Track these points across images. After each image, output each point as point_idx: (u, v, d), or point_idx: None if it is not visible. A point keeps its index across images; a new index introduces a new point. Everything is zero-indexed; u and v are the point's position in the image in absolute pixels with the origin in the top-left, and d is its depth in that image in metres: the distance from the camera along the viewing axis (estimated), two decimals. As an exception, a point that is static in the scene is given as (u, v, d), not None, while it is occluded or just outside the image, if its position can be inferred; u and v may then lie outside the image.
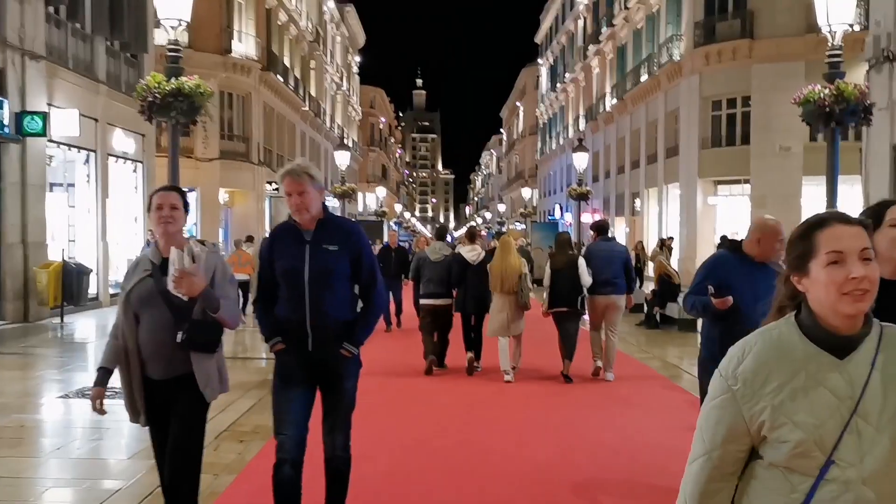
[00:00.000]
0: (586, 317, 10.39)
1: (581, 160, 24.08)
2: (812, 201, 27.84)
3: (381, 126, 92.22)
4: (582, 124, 51.44)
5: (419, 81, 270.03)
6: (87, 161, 18.33)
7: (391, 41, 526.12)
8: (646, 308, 17.19)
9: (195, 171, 31.01)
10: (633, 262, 11.72)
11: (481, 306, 10.29)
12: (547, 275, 9.96)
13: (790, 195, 27.34)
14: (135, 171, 21.54)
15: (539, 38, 72.47)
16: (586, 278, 9.73)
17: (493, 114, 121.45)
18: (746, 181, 28.68)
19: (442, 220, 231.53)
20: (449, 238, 14.01)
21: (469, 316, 10.44)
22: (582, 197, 24.15)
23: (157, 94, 8.12)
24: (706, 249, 30.07)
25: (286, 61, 39.73)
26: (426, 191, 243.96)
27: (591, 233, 11.21)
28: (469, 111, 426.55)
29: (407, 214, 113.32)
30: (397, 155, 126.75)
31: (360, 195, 72.21)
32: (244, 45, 32.98)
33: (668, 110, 33.53)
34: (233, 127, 33.21)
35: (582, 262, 9.85)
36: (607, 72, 45.28)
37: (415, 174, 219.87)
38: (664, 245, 18.10)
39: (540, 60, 72.31)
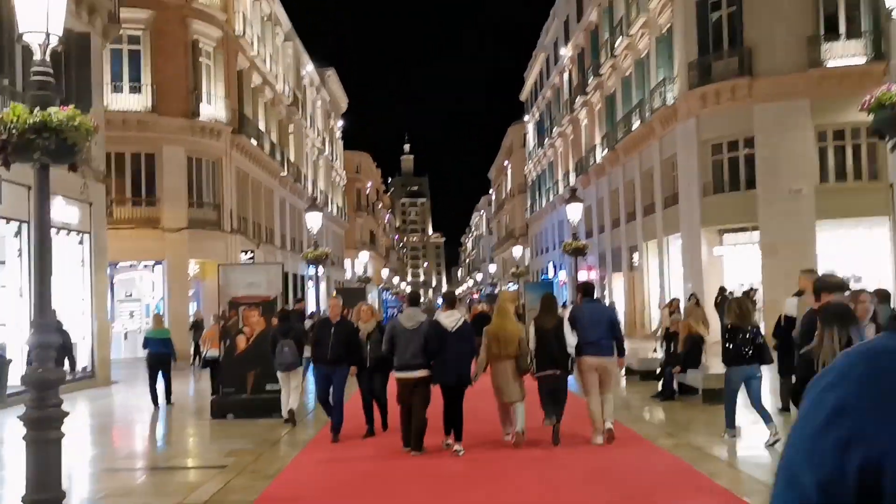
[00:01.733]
0: (571, 378, 10.31)
1: (575, 212, 22.01)
2: (828, 246, 25.84)
3: (367, 191, 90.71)
4: (572, 179, 49.68)
5: (406, 147, 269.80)
6: (17, 234, 16.12)
7: (376, 107, 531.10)
8: (660, 373, 14.91)
9: (161, 241, 28.93)
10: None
11: (462, 378, 9.60)
12: (532, 337, 9.92)
13: (803, 241, 25.29)
14: (80, 242, 19.32)
15: (524, 95, 71.49)
16: (571, 339, 9.75)
17: (482, 174, 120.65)
18: (755, 228, 26.60)
19: (434, 283, 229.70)
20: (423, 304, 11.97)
21: (449, 388, 9.63)
22: (578, 252, 22.00)
23: (14, 130, 6.00)
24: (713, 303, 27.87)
25: (261, 125, 37.98)
26: (417, 255, 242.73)
27: (577, 294, 11.10)
28: (458, 173, 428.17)
29: (396, 280, 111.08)
30: (386, 220, 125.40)
31: (347, 261, 70.35)
32: (213, 107, 31.16)
33: (664, 157, 31.68)
34: (202, 193, 31.15)
35: (567, 324, 9.84)
36: (596, 123, 43.68)
37: (406, 239, 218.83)
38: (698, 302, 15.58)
39: (526, 117, 71.19)
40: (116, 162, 28.75)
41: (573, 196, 22.54)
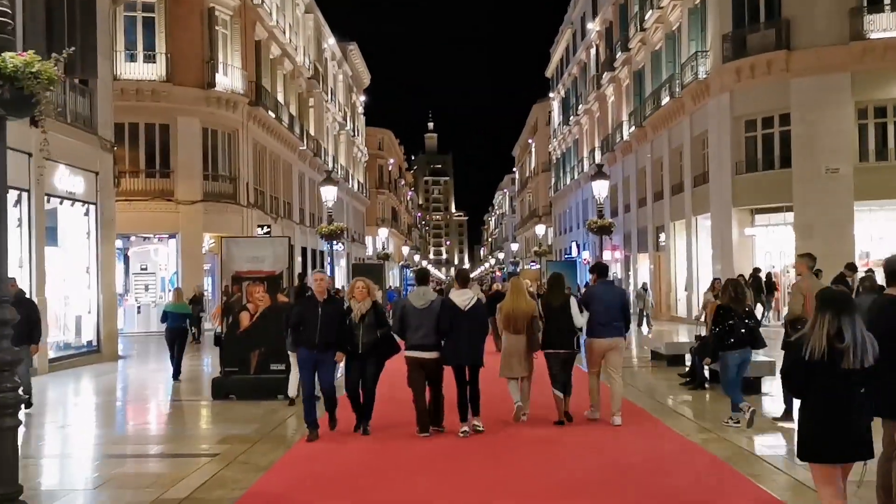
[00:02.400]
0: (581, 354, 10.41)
1: (601, 188, 21.02)
2: (866, 228, 24.70)
3: (389, 168, 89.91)
4: (598, 157, 48.50)
5: (430, 125, 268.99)
6: (17, 203, 15.43)
7: (399, 84, 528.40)
8: (690, 360, 14.01)
9: (175, 214, 28.32)
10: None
11: (476, 357, 9.32)
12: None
13: (840, 223, 24.16)
14: (86, 213, 18.65)
15: (549, 71, 70.13)
16: (579, 320, 9.78)
17: (506, 153, 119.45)
18: (789, 209, 25.45)
19: (457, 262, 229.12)
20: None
21: (462, 369, 9.31)
22: (604, 231, 21.03)
23: (-37, 79, 5.21)
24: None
25: (279, 97, 37.17)
26: (440, 234, 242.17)
27: (591, 275, 10.90)
28: (482, 151, 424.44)
29: (417, 257, 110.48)
30: (408, 198, 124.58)
31: (368, 239, 69.65)
32: (229, 78, 30.37)
33: (695, 134, 30.51)
34: (218, 166, 30.45)
35: (574, 302, 9.89)
36: (623, 99, 42.44)
37: (428, 217, 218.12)
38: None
39: (551, 94, 69.87)
40: (130, 132, 28.14)
41: (599, 172, 21.55)
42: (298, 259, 40.55)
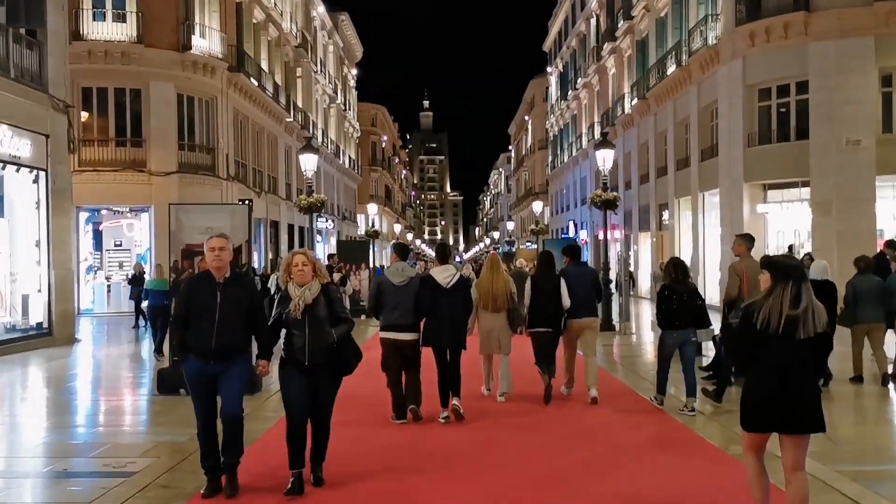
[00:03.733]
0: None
1: (606, 158, 19.24)
2: (889, 205, 22.97)
3: (383, 145, 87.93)
4: (597, 132, 46.62)
5: (426, 103, 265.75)
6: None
7: (394, 61, 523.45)
8: (714, 354, 12.22)
9: (148, 186, 26.46)
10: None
11: (458, 339, 8.83)
12: (527, 294, 9.91)
13: (861, 199, 22.43)
14: (35, 181, 16.77)
15: (547, 45, 68.03)
16: (567, 300, 9.80)
17: (503, 132, 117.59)
18: (805, 183, 23.67)
19: (451, 242, 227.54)
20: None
21: (443, 351, 8.79)
22: (609, 205, 19.27)
23: None
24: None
25: (264, 65, 35.17)
26: (435, 213, 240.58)
27: (565, 257, 10.84)
28: (478, 130, 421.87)
29: (410, 236, 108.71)
30: (402, 176, 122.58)
31: (360, 217, 67.66)
32: (207, 40, 28.39)
33: (703, 105, 28.67)
34: (195, 135, 28.53)
35: (564, 283, 9.84)
36: (625, 71, 40.54)
37: (423, 197, 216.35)
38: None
39: (549, 69, 67.82)
40: (98, 98, 26.26)
41: (604, 141, 19.77)
42: (284, 237, 38.79)
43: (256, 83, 32.75)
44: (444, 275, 8.75)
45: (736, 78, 25.32)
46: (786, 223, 25.20)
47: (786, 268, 4.69)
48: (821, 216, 22.87)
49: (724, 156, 26.22)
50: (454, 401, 8.75)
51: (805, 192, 23.74)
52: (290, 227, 39.42)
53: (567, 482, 6.38)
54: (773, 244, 25.38)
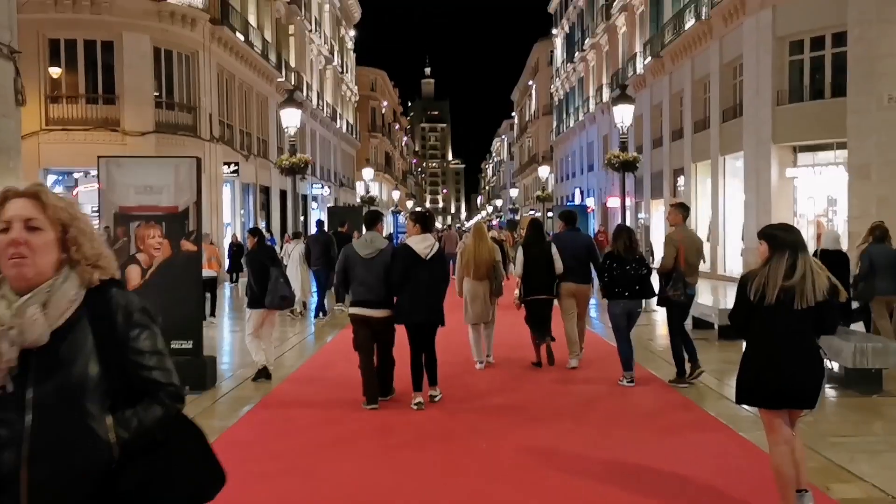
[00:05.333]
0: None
1: (625, 114, 17.13)
2: (936, 169, 20.78)
3: (383, 111, 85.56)
4: (605, 95, 44.34)
5: (427, 70, 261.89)
6: None
7: (395, 27, 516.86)
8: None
9: (122, 147, 24.24)
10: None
11: (434, 314, 8.08)
12: (520, 262, 9.98)
13: (905, 162, 20.25)
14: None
15: (552, 6, 65.35)
16: (559, 265, 9.84)
17: (506, 99, 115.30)
18: (841, 145, 21.49)
19: (453, 210, 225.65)
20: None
21: (418, 328, 8.08)
22: (628, 167, 17.19)
23: None
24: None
25: (251, 20, 32.85)
26: (437, 181, 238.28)
27: (560, 222, 10.96)
28: (480, 97, 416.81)
29: (410, 204, 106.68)
30: (403, 143, 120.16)
31: (359, 185, 65.40)
32: (187, -11, 26.09)
33: (725, 61, 26.41)
34: (173, 92, 26.32)
35: (555, 249, 9.88)
36: (637, 29, 38.18)
37: (425, 164, 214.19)
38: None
39: (554, 31, 65.24)
40: (67, 51, 24.02)
41: (623, 95, 17.59)
42: (276, 202, 36.75)
43: (243, 38, 30.47)
44: (422, 245, 7.98)
45: (765, 29, 23.06)
46: (818, 189, 23.09)
47: (782, 238, 4.56)
48: (859, 181, 20.66)
49: (750, 116, 24.03)
50: (431, 390, 8.19)
51: (841, 154, 21.56)
52: (283, 193, 37.26)
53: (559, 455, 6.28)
54: (804, 212, 23.32)
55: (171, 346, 8.70)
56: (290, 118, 17.61)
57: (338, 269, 8.26)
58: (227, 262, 25.55)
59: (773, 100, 22.85)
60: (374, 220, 8.42)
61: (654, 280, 9.14)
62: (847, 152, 21.14)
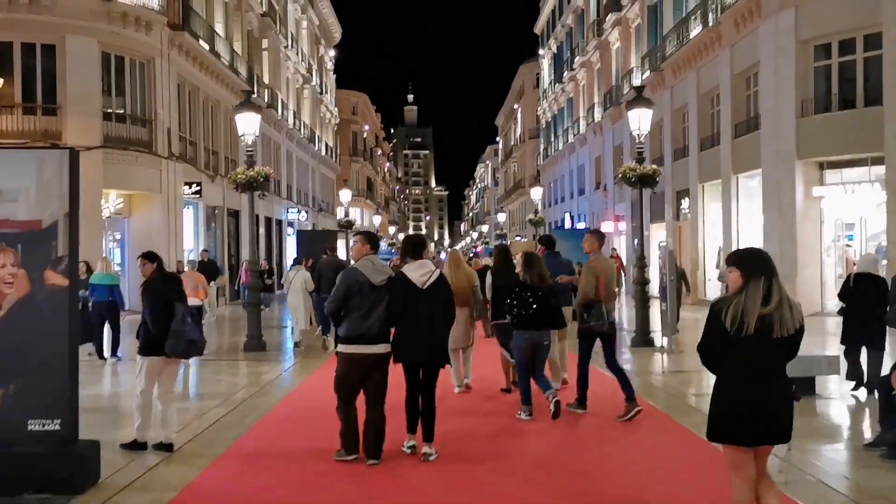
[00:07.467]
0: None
1: (642, 118, 14.66)
2: None
3: (364, 135, 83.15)
4: (598, 114, 42.01)
5: (410, 97, 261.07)
6: None
7: (377, 51, 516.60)
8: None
9: (63, 164, 21.37)
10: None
11: (435, 353, 7.05)
12: (488, 286, 10.18)
13: (950, 179, 17.84)
14: None
15: (539, 26, 63.32)
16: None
17: (489, 125, 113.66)
18: (876, 161, 19.03)
19: (436, 237, 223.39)
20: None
21: (416, 369, 7.07)
22: (646, 181, 14.65)
23: None
24: (809, 262, 20.57)
25: (219, 28, 30.25)
26: (419, 208, 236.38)
27: (539, 246, 11.15)
28: (463, 123, 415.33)
29: (393, 230, 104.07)
30: (386, 169, 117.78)
31: (339, 210, 62.55)
32: (142, -10, 23.44)
33: (737, 71, 24.02)
34: (125, 103, 23.58)
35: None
36: (632, 43, 35.89)
37: (407, 191, 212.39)
38: None
39: (541, 51, 63.14)
40: (2, 55, 21.31)
41: (640, 97, 15.06)
42: (262, 230, 33.87)
43: (208, 47, 27.82)
44: (419, 272, 7.04)
45: (785, 33, 20.68)
46: (847, 209, 20.61)
47: (756, 262, 4.26)
48: (897, 199, 18.28)
49: (769, 129, 21.56)
50: (426, 447, 7.05)
51: (877, 170, 19.09)
52: (255, 218, 34.41)
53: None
54: (830, 236, 20.83)
55: (29, 428, 5.90)
56: (248, 124, 14.87)
57: (336, 297, 6.87)
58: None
59: (797, 110, 20.42)
60: (373, 241, 7.23)
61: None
62: (884, 168, 18.71)
